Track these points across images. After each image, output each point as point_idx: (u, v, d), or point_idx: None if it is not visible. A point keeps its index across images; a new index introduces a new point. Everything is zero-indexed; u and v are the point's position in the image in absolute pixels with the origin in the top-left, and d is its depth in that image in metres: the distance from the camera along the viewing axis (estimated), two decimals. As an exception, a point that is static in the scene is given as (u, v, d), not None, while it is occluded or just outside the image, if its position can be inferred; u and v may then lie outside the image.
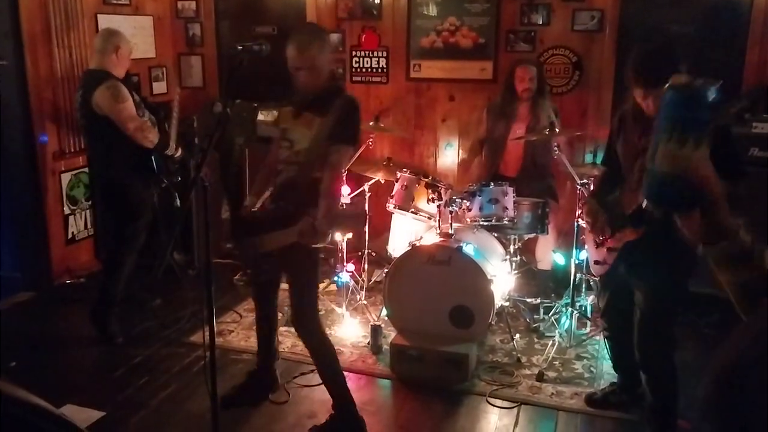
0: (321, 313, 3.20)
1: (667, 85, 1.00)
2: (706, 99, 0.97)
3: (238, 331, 3.99)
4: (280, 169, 2.87)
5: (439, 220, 3.75)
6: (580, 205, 3.68)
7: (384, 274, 3.73)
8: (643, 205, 2.33)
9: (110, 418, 3.05)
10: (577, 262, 3.74)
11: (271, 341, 3.28)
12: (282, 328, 3.88)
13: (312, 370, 3.48)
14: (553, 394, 3.31)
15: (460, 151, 5.09)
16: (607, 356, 3.34)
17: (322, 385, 3.34)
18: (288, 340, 3.80)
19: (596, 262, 2.97)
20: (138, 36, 5.25)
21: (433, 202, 3.72)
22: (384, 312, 3.80)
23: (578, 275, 3.83)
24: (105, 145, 3.68)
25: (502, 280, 3.79)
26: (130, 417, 3.09)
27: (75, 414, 2.91)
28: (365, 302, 4.17)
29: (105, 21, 4.89)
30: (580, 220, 3.70)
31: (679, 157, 0.96)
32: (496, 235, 4.00)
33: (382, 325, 3.78)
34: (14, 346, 3.64)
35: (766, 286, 0.94)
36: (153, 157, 3.77)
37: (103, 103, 3.55)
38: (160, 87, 5.55)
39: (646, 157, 1.05)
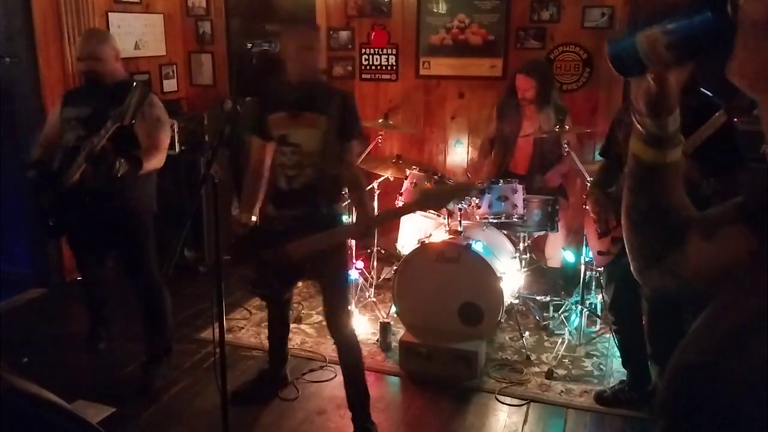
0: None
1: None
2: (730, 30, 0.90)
3: (248, 328, 4.01)
4: (290, 175, 2.79)
5: (448, 218, 3.74)
6: (585, 199, 3.67)
7: (393, 272, 3.74)
8: None
9: (121, 414, 3.08)
10: (587, 259, 3.73)
11: (284, 344, 3.30)
12: (292, 325, 3.90)
13: (321, 367, 3.51)
14: (562, 391, 3.30)
15: (470, 148, 5.09)
16: (617, 353, 3.34)
17: (331, 382, 3.37)
18: (297, 337, 3.81)
19: (599, 253, 2.98)
20: (148, 34, 5.28)
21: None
22: (393, 309, 3.80)
23: (588, 273, 3.82)
24: None
25: (512, 277, 3.79)
26: (141, 412, 3.12)
27: (86, 409, 2.94)
28: (374, 299, 4.18)
29: (116, 19, 4.92)
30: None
31: (659, 53, 0.95)
32: (505, 232, 3.99)
33: (392, 322, 3.78)
34: (26, 342, 3.68)
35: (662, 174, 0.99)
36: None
37: None
38: (170, 85, 5.57)
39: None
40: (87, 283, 3.67)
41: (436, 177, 3.83)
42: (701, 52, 0.90)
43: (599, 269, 3.83)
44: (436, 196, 2.73)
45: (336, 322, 2.90)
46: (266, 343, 3.61)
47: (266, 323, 3.85)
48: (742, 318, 0.74)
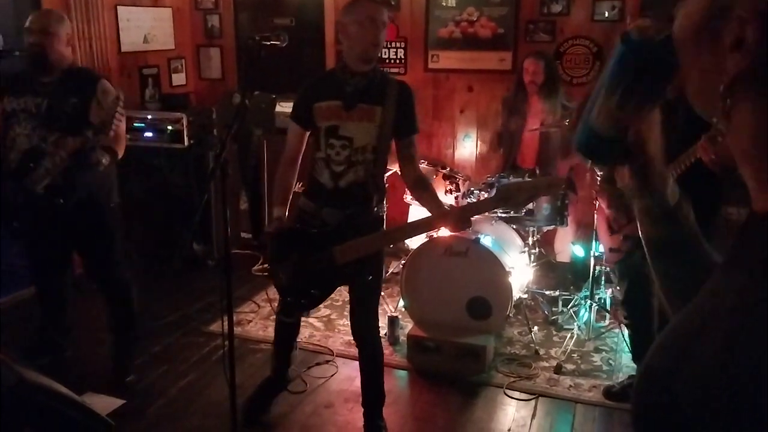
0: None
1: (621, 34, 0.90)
2: (660, 53, 0.81)
3: (257, 321, 4.02)
4: (338, 171, 2.57)
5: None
6: (595, 195, 3.65)
7: (401, 265, 3.73)
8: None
9: (130, 406, 3.09)
10: (596, 254, 3.71)
11: (291, 350, 3.11)
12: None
13: (328, 361, 3.51)
14: (571, 386, 3.29)
15: (479, 142, 5.07)
16: (626, 349, 3.32)
17: (339, 375, 3.37)
18: (305, 331, 3.81)
19: (611, 250, 2.96)
20: (157, 28, 5.29)
21: (451, 193, 3.72)
22: (401, 303, 3.80)
23: (597, 267, 3.80)
24: None
25: (521, 272, 3.78)
26: (150, 405, 3.13)
27: (95, 402, 2.94)
28: (382, 293, 4.17)
29: (125, 13, 4.93)
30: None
31: (619, 119, 0.87)
32: (514, 226, 3.98)
33: (399, 316, 3.78)
34: (34, 336, 3.69)
35: (680, 245, 0.92)
36: None
37: None
38: (179, 79, 5.58)
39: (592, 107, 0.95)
40: (46, 291, 3.45)
41: (443, 171, 3.82)
42: (651, 85, 0.84)
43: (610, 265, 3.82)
44: (517, 191, 2.38)
45: (366, 326, 2.82)
46: (273, 335, 3.61)
47: (272, 317, 3.87)
48: (697, 322, 0.73)
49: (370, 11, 2.47)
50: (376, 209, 2.65)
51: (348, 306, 4.02)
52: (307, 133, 2.66)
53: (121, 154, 3.08)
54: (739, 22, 0.64)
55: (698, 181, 2.05)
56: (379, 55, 2.56)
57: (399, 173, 2.81)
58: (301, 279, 2.57)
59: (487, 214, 3.78)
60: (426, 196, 2.66)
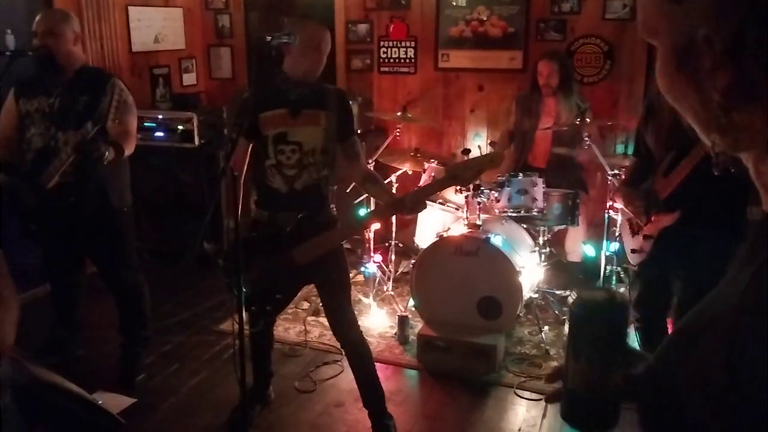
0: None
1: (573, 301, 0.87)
2: (609, 314, 0.83)
3: (267, 321, 4.02)
4: (290, 175, 2.63)
5: (466, 211, 3.72)
6: (611, 196, 3.63)
7: (411, 265, 3.73)
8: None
9: (141, 405, 3.11)
10: (607, 253, 3.69)
11: (269, 361, 3.13)
12: (310, 318, 3.92)
13: (336, 361, 3.51)
14: (581, 386, 3.27)
15: (489, 141, 5.05)
16: (638, 348, 3.30)
17: (348, 374, 3.36)
18: (315, 330, 3.82)
19: (633, 251, 2.94)
20: (168, 28, 5.31)
21: (461, 192, 3.70)
22: (411, 302, 3.80)
23: (609, 267, 3.78)
24: None
25: (531, 271, 3.76)
26: (161, 403, 3.15)
27: (107, 400, 2.96)
28: (392, 293, 4.18)
29: (136, 13, 4.95)
30: (610, 211, 3.66)
31: (593, 379, 0.85)
32: (525, 226, 3.96)
33: (410, 316, 3.78)
34: (46, 334, 3.71)
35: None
36: None
37: None
38: (189, 78, 5.60)
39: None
40: (59, 290, 3.48)
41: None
42: (611, 344, 0.84)
43: (627, 265, 3.80)
44: (464, 169, 2.52)
45: (343, 325, 2.84)
46: (284, 335, 3.62)
47: (284, 315, 3.88)
48: (702, 321, 0.73)
49: (315, 39, 2.56)
50: (329, 209, 2.74)
51: (356, 306, 4.10)
52: (250, 146, 2.71)
53: (129, 151, 3.07)
54: (706, 41, 0.62)
55: (724, 180, 2.02)
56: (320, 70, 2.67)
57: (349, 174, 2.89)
58: (263, 285, 2.61)
59: (496, 212, 3.78)
60: (376, 188, 2.80)
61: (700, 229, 2.57)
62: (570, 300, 4.06)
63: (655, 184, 2.73)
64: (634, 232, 2.88)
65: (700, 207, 2.54)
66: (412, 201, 2.56)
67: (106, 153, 2.83)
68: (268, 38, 2.32)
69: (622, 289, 3.92)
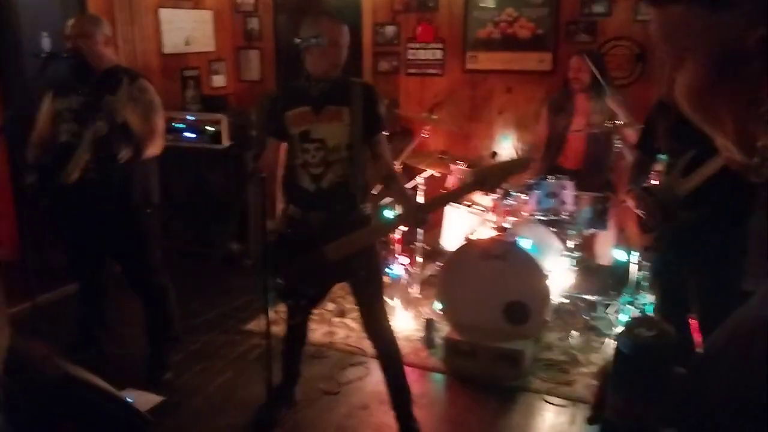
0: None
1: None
2: (655, 356, 0.83)
3: (293, 322, 4.03)
4: (316, 173, 2.64)
5: (494, 214, 3.69)
6: (622, 196, 3.59)
7: (438, 268, 3.70)
8: None
9: (169, 403, 3.13)
10: (638, 259, 3.63)
11: (299, 361, 3.13)
12: (335, 319, 3.92)
13: (361, 363, 3.50)
14: (610, 393, 3.22)
15: (519, 144, 5.00)
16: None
17: (374, 377, 3.36)
18: (341, 332, 3.82)
19: (645, 249, 2.91)
20: (198, 30, 5.37)
21: (489, 195, 3.67)
22: (437, 306, 3.77)
23: (639, 272, 3.72)
24: None
25: (560, 276, 3.71)
26: (187, 402, 3.17)
27: (136, 398, 2.99)
28: (419, 295, 4.16)
29: (167, 15, 5.02)
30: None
31: (629, 413, 0.85)
32: (554, 230, 3.91)
33: (436, 319, 3.76)
34: (75, 331, 3.76)
35: None
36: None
37: None
38: (219, 80, 5.65)
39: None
40: (85, 288, 3.53)
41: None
42: (651, 383, 0.83)
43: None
44: (491, 174, 2.46)
45: (376, 323, 2.83)
46: (310, 336, 3.62)
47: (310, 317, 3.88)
48: (729, 328, 0.72)
49: (332, 34, 2.54)
50: (361, 208, 2.71)
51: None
52: (282, 145, 2.74)
53: (153, 151, 3.10)
54: (761, 42, 0.58)
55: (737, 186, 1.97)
56: (343, 65, 2.65)
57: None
58: (297, 281, 2.64)
59: (525, 215, 3.74)
60: (394, 192, 2.84)
61: (717, 228, 2.55)
62: (599, 306, 4.00)
63: (672, 182, 2.68)
64: (644, 231, 2.83)
65: (721, 207, 2.51)
66: (423, 211, 2.61)
67: (123, 151, 2.85)
68: (297, 41, 2.32)
69: (651, 296, 3.85)
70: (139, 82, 3.07)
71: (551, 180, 3.68)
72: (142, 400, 3.05)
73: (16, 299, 3.63)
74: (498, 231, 3.63)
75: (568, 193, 3.64)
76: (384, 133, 2.72)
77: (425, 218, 2.57)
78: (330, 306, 4.13)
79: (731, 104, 0.63)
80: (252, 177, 2.28)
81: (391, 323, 2.92)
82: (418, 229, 4.25)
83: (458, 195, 3.14)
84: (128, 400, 2.65)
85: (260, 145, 2.30)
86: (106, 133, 2.85)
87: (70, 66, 3.15)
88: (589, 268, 4.33)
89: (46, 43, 4.33)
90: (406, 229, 4.07)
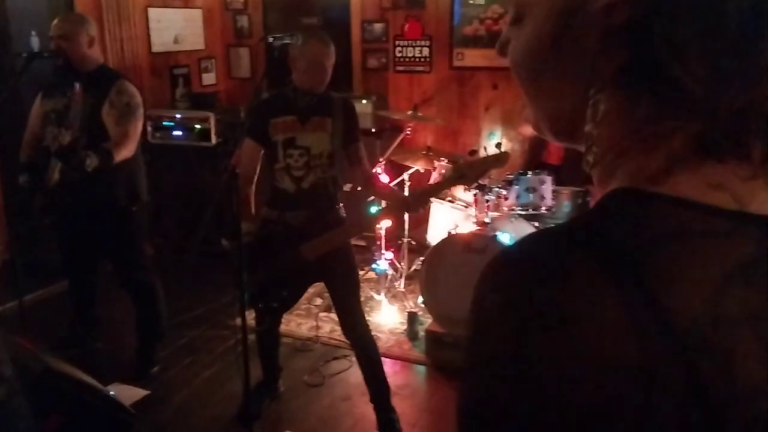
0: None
1: None
2: None
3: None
4: (298, 175, 2.77)
5: (475, 209, 3.74)
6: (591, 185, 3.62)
7: (420, 262, 3.76)
8: None
9: (154, 397, 3.19)
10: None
11: (277, 357, 3.21)
12: (322, 314, 3.98)
13: (346, 355, 3.56)
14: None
15: (504, 140, 5.05)
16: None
17: (357, 369, 3.41)
18: (326, 325, 3.88)
19: None
20: (187, 28, 5.41)
21: (469, 190, 3.72)
22: (420, 299, 3.83)
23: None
24: None
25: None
26: (173, 395, 3.23)
27: (121, 392, 3.05)
28: (403, 290, 4.22)
29: (156, 14, 5.06)
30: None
31: None
32: (535, 224, 3.97)
33: (419, 313, 3.81)
34: (65, 327, 3.82)
35: None
36: None
37: None
38: (209, 78, 5.70)
39: None
40: (75, 285, 3.58)
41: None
42: None
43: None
44: (470, 168, 2.60)
45: (353, 322, 2.91)
46: (296, 330, 3.68)
47: (297, 311, 3.94)
48: None
49: (319, 56, 2.70)
50: (337, 209, 2.86)
51: (368, 302, 4.14)
52: (261, 150, 2.83)
53: (123, 155, 3.02)
54: (606, 8, 0.50)
55: None
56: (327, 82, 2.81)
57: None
58: (271, 282, 2.73)
59: (505, 210, 3.79)
60: (376, 192, 2.99)
61: None
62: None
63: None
64: None
65: None
66: (416, 199, 2.69)
67: (87, 160, 2.81)
68: (270, 39, 2.38)
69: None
70: (117, 84, 3.09)
71: (530, 175, 3.73)
72: (128, 394, 3.10)
73: (3, 297, 3.71)
74: (479, 225, 3.69)
75: (547, 187, 3.70)
76: (360, 142, 2.89)
77: (423, 203, 2.69)
78: (317, 301, 4.19)
79: (563, 76, 0.56)
80: (224, 172, 2.32)
81: (369, 319, 3.00)
82: (404, 225, 4.32)
83: (439, 189, 3.22)
84: (111, 393, 2.70)
85: (235, 141, 2.35)
86: (68, 142, 2.85)
87: (57, 67, 3.19)
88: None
89: (34, 42, 4.38)
90: (391, 224, 4.13)
